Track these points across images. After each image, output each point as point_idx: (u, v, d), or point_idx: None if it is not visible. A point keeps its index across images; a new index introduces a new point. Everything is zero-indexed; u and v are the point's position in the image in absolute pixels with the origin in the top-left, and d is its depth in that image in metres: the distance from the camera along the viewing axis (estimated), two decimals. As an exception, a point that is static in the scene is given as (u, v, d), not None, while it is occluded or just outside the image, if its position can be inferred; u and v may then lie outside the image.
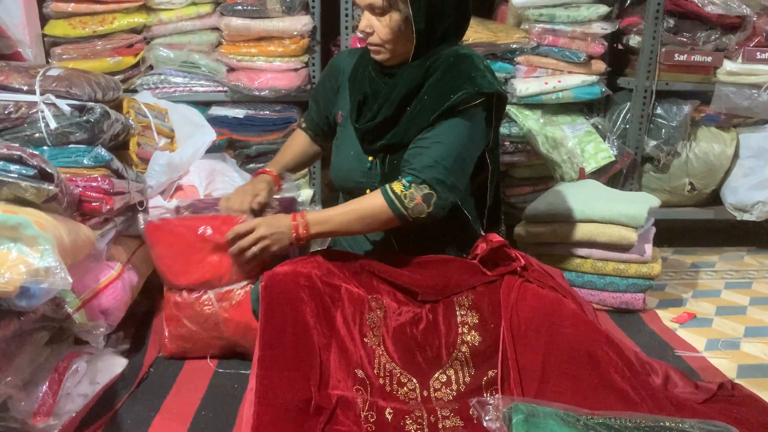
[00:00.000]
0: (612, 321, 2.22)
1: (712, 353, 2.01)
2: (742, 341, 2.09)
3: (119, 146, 2.06)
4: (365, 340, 1.51)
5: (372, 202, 1.57)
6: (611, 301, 2.30)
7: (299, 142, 1.95)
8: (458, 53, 1.62)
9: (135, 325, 2.04)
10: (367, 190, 1.67)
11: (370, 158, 1.68)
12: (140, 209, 2.07)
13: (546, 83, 2.67)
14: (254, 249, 1.60)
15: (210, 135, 2.37)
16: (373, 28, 1.58)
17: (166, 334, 1.87)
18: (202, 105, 2.66)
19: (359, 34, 1.62)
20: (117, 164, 1.88)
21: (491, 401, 1.24)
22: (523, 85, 2.66)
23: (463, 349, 1.51)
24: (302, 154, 1.95)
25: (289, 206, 1.80)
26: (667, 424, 1.21)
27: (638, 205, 2.24)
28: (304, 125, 1.94)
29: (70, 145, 1.84)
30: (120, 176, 1.90)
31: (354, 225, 1.60)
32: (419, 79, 1.60)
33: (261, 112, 2.65)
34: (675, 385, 1.66)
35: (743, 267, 2.81)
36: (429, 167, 1.54)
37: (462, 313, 1.55)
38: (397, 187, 1.55)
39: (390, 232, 1.71)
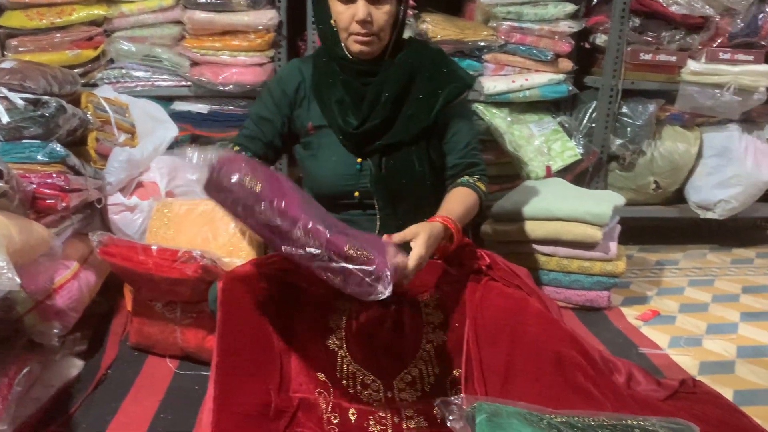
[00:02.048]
0: (577, 319, 2.23)
1: (676, 350, 2.02)
2: (704, 338, 2.11)
3: (77, 142, 2.01)
4: (327, 342, 1.49)
5: (475, 200, 1.64)
6: (576, 298, 2.30)
7: None
8: (431, 48, 1.72)
9: (93, 326, 1.99)
10: (356, 193, 1.61)
11: (359, 160, 1.62)
12: (98, 206, 2.01)
13: (513, 81, 2.67)
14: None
15: (172, 130, 2.33)
16: (371, 16, 1.52)
17: (131, 324, 1.86)
18: (165, 100, 2.60)
19: (353, 26, 1.52)
20: (74, 160, 1.83)
21: (455, 401, 1.22)
22: (491, 83, 2.65)
23: (428, 348, 1.50)
24: None
25: None
26: (630, 422, 1.20)
27: (603, 203, 2.25)
28: (249, 153, 1.65)
29: (24, 140, 1.79)
30: (77, 172, 1.85)
31: (465, 221, 1.61)
32: (407, 77, 1.61)
33: (225, 108, 2.60)
34: (638, 383, 1.66)
35: (706, 264, 2.85)
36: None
37: (427, 312, 1.54)
38: (482, 186, 1.68)
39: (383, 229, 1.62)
